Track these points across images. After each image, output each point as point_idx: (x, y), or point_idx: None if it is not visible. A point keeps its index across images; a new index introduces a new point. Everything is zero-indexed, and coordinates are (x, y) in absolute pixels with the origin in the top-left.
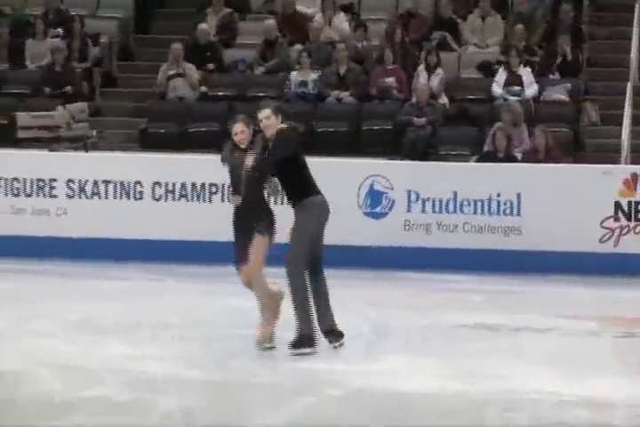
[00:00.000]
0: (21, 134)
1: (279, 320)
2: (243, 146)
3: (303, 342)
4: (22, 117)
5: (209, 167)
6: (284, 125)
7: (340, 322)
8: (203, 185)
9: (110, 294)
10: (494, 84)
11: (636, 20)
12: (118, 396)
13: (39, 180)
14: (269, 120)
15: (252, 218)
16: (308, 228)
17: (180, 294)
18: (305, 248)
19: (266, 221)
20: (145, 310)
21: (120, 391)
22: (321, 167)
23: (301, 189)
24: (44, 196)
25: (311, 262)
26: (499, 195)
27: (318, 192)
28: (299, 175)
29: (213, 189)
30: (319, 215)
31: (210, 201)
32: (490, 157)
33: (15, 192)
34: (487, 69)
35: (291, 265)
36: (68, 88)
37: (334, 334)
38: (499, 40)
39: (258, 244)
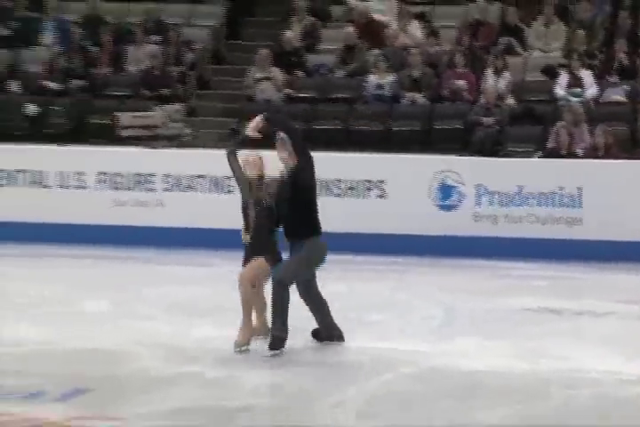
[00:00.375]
0: (123, 133)
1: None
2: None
3: (275, 343)
4: (124, 117)
5: None
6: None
7: (413, 306)
8: None
9: (202, 280)
10: (557, 86)
11: None
12: (210, 372)
13: (139, 175)
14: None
15: (258, 254)
16: (304, 266)
17: None
18: (295, 278)
19: (272, 257)
20: (233, 294)
21: (212, 368)
22: (396, 163)
23: (310, 224)
24: (143, 189)
25: (304, 285)
26: (561, 188)
27: (321, 232)
28: (310, 207)
29: None
30: (319, 259)
31: None
32: (553, 154)
33: (117, 186)
34: (550, 72)
35: (277, 287)
36: (165, 90)
37: (339, 337)
38: (561, 45)
39: (259, 265)
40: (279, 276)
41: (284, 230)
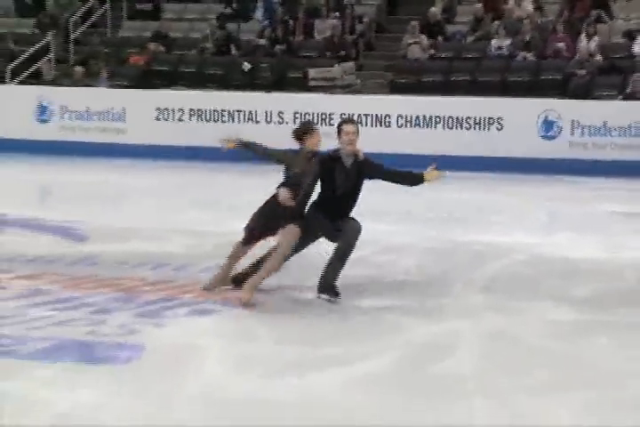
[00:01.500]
0: (311, 83)
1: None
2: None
3: (328, 289)
4: (312, 72)
5: (434, 103)
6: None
7: (524, 210)
8: (431, 117)
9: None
10: (635, 46)
11: None
12: (373, 257)
13: (323, 113)
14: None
15: (291, 218)
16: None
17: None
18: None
19: (301, 222)
20: (393, 200)
21: (376, 254)
22: (513, 104)
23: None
24: (325, 124)
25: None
26: (637, 123)
27: None
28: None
29: (437, 120)
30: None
31: (435, 128)
32: (630, 97)
33: None
34: (630, 36)
35: (347, 249)
36: (342, 52)
37: None
38: (639, 15)
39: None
40: (352, 239)
41: (335, 210)
